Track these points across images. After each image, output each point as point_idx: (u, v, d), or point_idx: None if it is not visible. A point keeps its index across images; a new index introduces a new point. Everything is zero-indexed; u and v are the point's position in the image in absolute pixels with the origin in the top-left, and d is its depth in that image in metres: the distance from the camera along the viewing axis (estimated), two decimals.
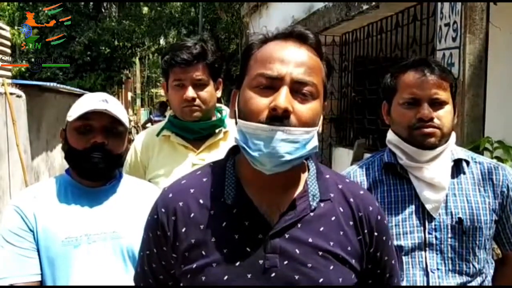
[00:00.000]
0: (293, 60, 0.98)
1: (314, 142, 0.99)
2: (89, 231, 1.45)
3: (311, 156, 1.08)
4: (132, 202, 1.54)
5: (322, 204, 1.04)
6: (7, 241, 1.42)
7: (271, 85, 0.97)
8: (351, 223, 1.06)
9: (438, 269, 1.46)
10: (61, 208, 1.47)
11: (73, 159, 1.49)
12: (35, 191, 1.51)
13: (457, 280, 1.46)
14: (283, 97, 0.94)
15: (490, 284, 1.54)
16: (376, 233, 1.08)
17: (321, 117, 1.04)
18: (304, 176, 1.07)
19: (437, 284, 1.45)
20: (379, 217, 1.10)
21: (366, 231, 1.07)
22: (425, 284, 1.46)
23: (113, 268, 1.45)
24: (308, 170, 1.08)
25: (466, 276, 1.47)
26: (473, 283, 1.48)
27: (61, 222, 1.45)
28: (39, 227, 1.44)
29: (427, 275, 1.46)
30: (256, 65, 1.00)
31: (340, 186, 1.09)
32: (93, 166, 1.45)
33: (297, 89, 0.97)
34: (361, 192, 1.12)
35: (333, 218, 1.04)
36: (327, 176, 1.10)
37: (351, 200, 1.08)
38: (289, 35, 1.02)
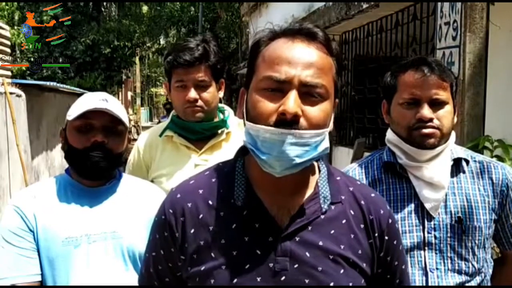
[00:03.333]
0: (301, 61, 0.95)
1: (325, 144, 0.98)
2: (89, 231, 1.45)
3: (322, 157, 1.06)
4: (132, 202, 1.54)
5: (333, 207, 1.02)
6: (7, 241, 1.42)
7: (280, 88, 0.94)
8: (362, 226, 1.04)
9: (437, 268, 1.46)
10: (61, 208, 1.47)
11: (73, 158, 1.49)
12: (35, 191, 1.51)
13: (456, 279, 1.46)
14: (292, 102, 0.92)
15: (489, 284, 1.54)
16: (386, 237, 1.06)
17: (332, 116, 1.01)
18: (315, 178, 1.05)
19: (436, 284, 1.45)
20: (390, 221, 1.08)
21: (376, 234, 1.05)
22: (424, 284, 1.45)
23: (113, 268, 1.45)
24: (319, 171, 1.06)
25: (465, 276, 1.47)
26: (472, 283, 1.48)
27: (61, 222, 1.45)
28: (39, 227, 1.44)
29: (426, 274, 1.46)
30: (263, 66, 0.98)
31: (351, 189, 1.07)
32: (93, 165, 1.44)
33: (306, 91, 0.94)
34: (372, 195, 1.10)
35: (344, 221, 1.02)
36: (338, 178, 1.08)
37: (362, 202, 1.06)
38: (298, 32, 0.99)
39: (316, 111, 0.95)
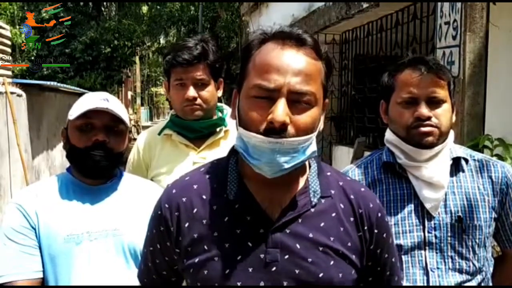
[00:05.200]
0: (290, 68, 0.98)
1: (313, 147, 1.02)
2: (90, 228, 1.46)
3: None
4: (133, 200, 1.55)
5: (323, 201, 1.06)
6: (9, 239, 1.43)
7: (269, 96, 0.97)
8: (351, 219, 1.07)
9: (438, 268, 1.46)
10: (63, 205, 1.48)
11: (74, 157, 1.50)
12: (37, 189, 1.52)
13: (457, 278, 1.46)
14: (280, 111, 0.95)
15: (490, 282, 1.54)
16: (376, 230, 1.09)
17: (322, 118, 1.05)
18: (305, 173, 1.08)
19: (437, 283, 1.45)
20: (379, 214, 1.11)
21: (366, 227, 1.08)
22: (425, 283, 1.45)
23: (114, 265, 1.46)
24: (310, 167, 1.10)
25: (466, 275, 1.47)
26: (473, 282, 1.48)
27: (62, 219, 1.45)
28: (41, 225, 1.44)
29: (427, 274, 1.46)
30: (254, 72, 1.01)
31: (341, 183, 1.11)
32: (95, 164, 1.46)
33: (295, 99, 0.97)
34: (362, 189, 1.14)
35: (333, 214, 1.06)
36: (328, 173, 1.12)
37: (352, 197, 1.09)
38: (287, 37, 1.01)
39: (304, 118, 0.98)
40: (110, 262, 1.46)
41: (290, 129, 0.96)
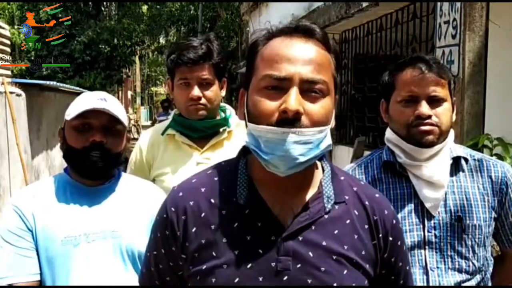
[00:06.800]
0: (300, 58, 0.94)
1: (328, 141, 0.97)
2: (88, 230, 1.45)
3: (325, 156, 1.06)
4: (132, 201, 1.54)
5: (336, 207, 1.01)
6: (6, 241, 1.42)
7: (280, 86, 0.94)
8: (366, 226, 1.03)
9: (437, 267, 1.46)
10: (60, 207, 1.47)
11: (71, 158, 1.48)
12: (34, 191, 1.51)
13: (457, 278, 1.46)
14: (293, 99, 0.91)
15: (489, 282, 1.54)
16: (391, 238, 1.05)
17: (333, 113, 1.01)
18: (318, 177, 1.04)
19: (437, 283, 1.45)
20: (394, 221, 1.07)
21: (381, 235, 1.04)
22: (425, 283, 1.45)
23: (112, 267, 1.45)
24: (323, 171, 1.05)
25: (465, 274, 1.47)
26: (473, 281, 1.48)
27: (60, 221, 1.44)
28: (38, 227, 1.43)
29: (426, 273, 1.46)
30: (262, 65, 0.97)
31: (355, 189, 1.06)
32: (92, 165, 1.44)
33: (307, 88, 0.94)
34: (377, 195, 1.09)
35: (348, 221, 1.01)
36: (342, 178, 1.07)
37: (366, 203, 1.05)
38: (295, 30, 0.98)
39: (317, 108, 0.94)
40: (108, 264, 1.45)
41: (304, 120, 0.92)
